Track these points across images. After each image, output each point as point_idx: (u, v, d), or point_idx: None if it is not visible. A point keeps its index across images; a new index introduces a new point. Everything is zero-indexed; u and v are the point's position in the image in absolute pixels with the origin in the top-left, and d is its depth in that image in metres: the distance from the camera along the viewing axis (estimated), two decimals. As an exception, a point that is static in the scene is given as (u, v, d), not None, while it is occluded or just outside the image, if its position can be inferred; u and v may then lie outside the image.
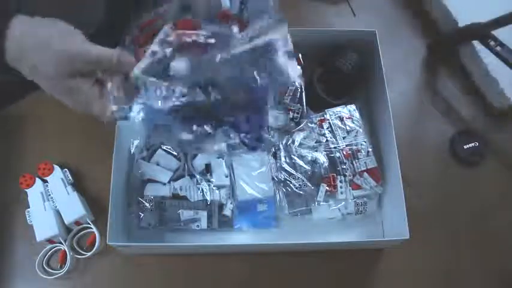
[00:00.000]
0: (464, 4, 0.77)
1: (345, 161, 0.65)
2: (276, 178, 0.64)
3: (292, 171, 0.64)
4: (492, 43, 0.69)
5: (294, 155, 0.65)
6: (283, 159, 0.65)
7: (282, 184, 0.64)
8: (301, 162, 0.64)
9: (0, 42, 0.40)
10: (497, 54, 0.69)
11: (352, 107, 0.69)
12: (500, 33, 0.69)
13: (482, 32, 0.70)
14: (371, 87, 0.73)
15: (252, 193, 0.63)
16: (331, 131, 0.67)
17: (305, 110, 0.67)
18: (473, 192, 0.71)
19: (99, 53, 0.42)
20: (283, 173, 0.64)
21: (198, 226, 0.62)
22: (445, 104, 0.78)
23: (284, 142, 0.66)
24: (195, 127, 0.44)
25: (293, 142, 0.66)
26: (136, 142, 0.65)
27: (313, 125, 0.67)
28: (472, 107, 0.77)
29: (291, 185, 0.64)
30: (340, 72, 0.70)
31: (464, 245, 0.67)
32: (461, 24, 0.76)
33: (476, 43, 0.74)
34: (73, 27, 0.43)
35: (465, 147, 0.73)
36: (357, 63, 0.70)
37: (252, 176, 0.64)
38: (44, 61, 0.41)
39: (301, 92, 0.68)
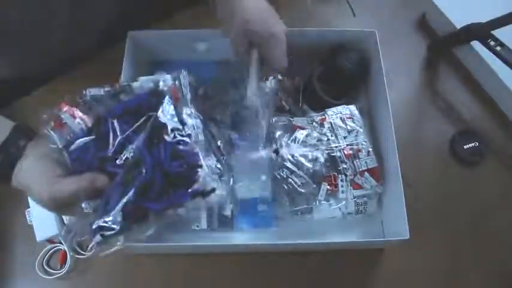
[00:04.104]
0: (458, 6, 0.78)
1: (345, 160, 0.65)
2: (278, 176, 0.64)
3: (294, 169, 0.64)
4: (492, 43, 0.69)
5: (295, 153, 0.65)
6: (284, 156, 0.64)
7: (283, 182, 0.64)
8: (302, 160, 0.64)
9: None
10: (497, 54, 0.69)
11: (353, 106, 0.69)
12: (500, 33, 0.69)
13: (482, 32, 0.70)
14: (371, 87, 0.73)
15: (252, 193, 0.63)
16: (332, 131, 0.67)
17: (303, 108, 0.68)
18: (473, 192, 0.71)
19: (71, 188, 0.44)
20: (285, 170, 0.64)
21: (198, 226, 0.62)
22: (445, 104, 0.78)
23: (285, 140, 0.66)
24: None
25: (294, 140, 0.66)
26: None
27: (314, 124, 0.67)
28: (472, 107, 0.77)
29: (292, 182, 0.63)
30: (340, 72, 0.70)
31: (464, 245, 0.67)
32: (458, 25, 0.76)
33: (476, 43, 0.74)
34: (49, 169, 0.46)
35: (465, 147, 0.73)
36: (356, 63, 0.70)
37: (252, 177, 0.64)
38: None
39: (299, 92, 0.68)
